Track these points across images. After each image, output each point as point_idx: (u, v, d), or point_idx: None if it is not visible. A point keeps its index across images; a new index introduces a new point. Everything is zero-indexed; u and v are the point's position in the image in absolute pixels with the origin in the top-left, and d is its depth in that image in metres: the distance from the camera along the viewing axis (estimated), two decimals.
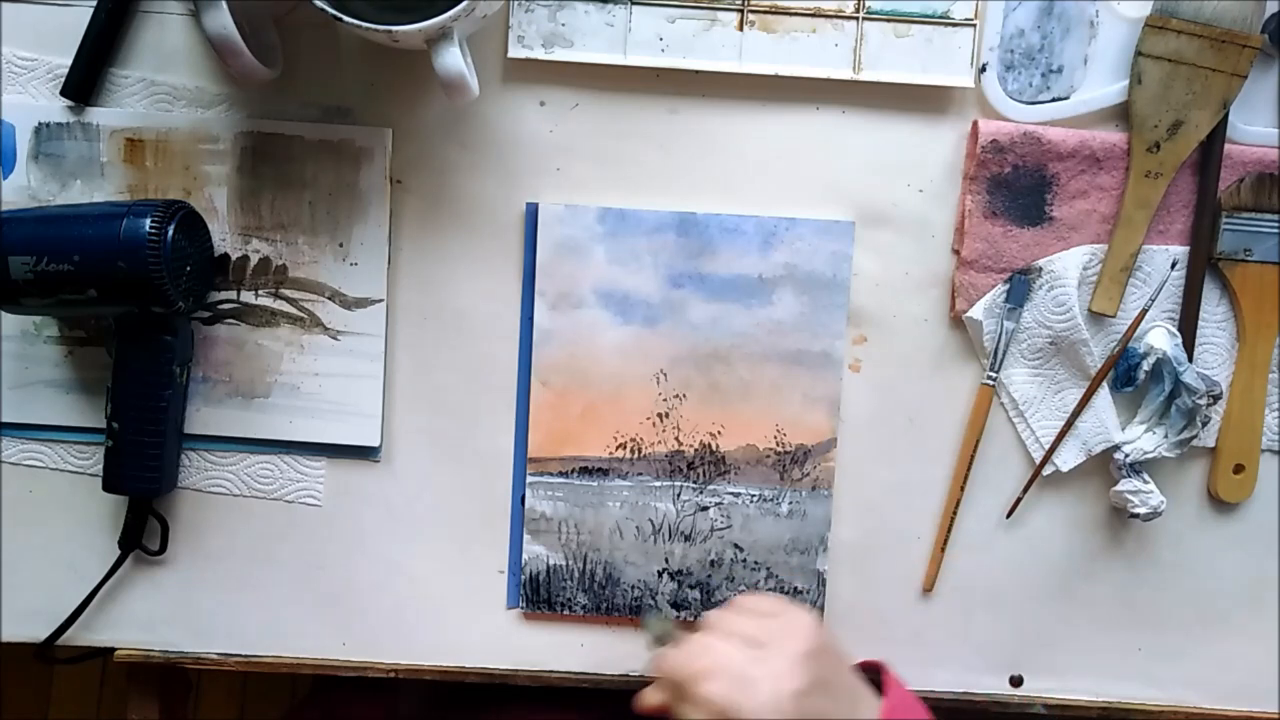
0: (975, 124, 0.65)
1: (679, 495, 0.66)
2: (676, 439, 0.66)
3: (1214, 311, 0.66)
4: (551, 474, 0.66)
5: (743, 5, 0.63)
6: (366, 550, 0.67)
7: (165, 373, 0.62)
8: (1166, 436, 0.65)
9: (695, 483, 0.66)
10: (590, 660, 0.68)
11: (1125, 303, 0.66)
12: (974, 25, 0.64)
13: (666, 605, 0.67)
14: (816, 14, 0.63)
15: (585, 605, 0.67)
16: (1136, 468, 0.65)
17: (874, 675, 0.59)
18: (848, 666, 0.56)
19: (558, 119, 0.65)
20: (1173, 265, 0.65)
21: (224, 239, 0.65)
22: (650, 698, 0.56)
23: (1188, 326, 0.66)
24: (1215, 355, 0.67)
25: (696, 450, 0.66)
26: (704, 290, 0.65)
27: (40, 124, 0.64)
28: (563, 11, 0.63)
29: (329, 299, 0.65)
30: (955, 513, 0.67)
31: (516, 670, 0.68)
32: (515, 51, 0.63)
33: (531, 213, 0.65)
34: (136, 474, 0.63)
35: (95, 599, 0.66)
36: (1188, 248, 0.66)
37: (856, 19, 0.63)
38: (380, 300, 0.65)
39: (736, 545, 0.67)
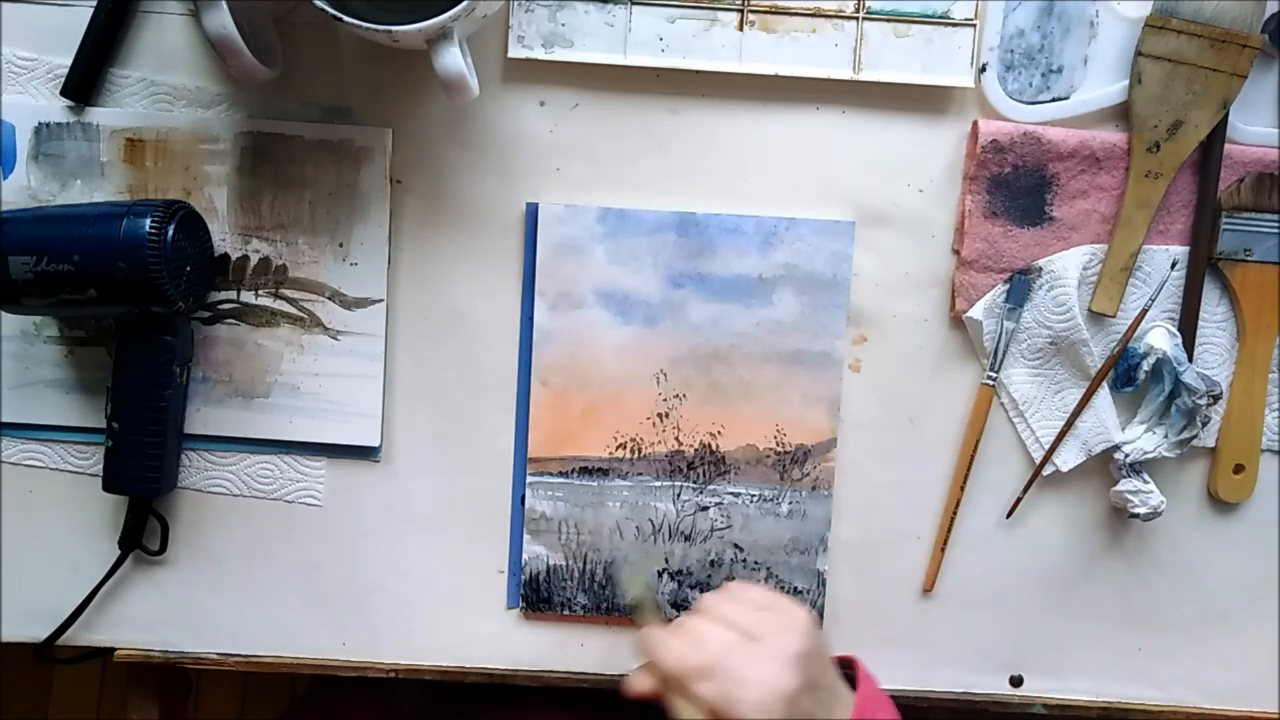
0: (975, 124, 0.65)
1: (679, 495, 0.66)
2: (676, 439, 0.66)
3: (1214, 311, 0.66)
4: (551, 474, 0.66)
5: (743, 5, 0.63)
6: (366, 550, 0.67)
7: (165, 373, 0.62)
8: (1166, 436, 0.65)
9: (695, 483, 0.66)
10: (590, 660, 0.68)
11: (1125, 303, 0.66)
12: (974, 25, 0.64)
13: (642, 563, 0.66)
14: (816, 14, 0.63)
15: (585, 605, 0.67)
16: (1136, 468, 0.65)
17: (849, 670, 0.58)
18: (832, 665, 0.56)
19: (558, 119, 0.65)
20: (1173, 265, 0.65)
21: (224, 239, 0.65)
22: (640, 684, 0.55)
23: (1188, 326, 0.66)
24: (1215, 355, 0.67)
25: (696, 450, 0.66)
26: (704, 290, 0.65)
27: (40, 124, 0.64)
28: (563, 11, 0.63)
29: (329, 299, 0.65)
30: (955, 513, 0.67)
31: (516, 670, 0.68)
32: (515, 51, 0.63)
33: (531, 213, 0.65)
34: (136, 474, 0.63)
35: (95, 599, 0.66)
36: (1188, 248, 0.66)
37: (856, 19, 0.63)
38: (380, 300, 0.65)
39: (736, 545, 0.67)
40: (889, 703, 0.57)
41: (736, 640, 0.53)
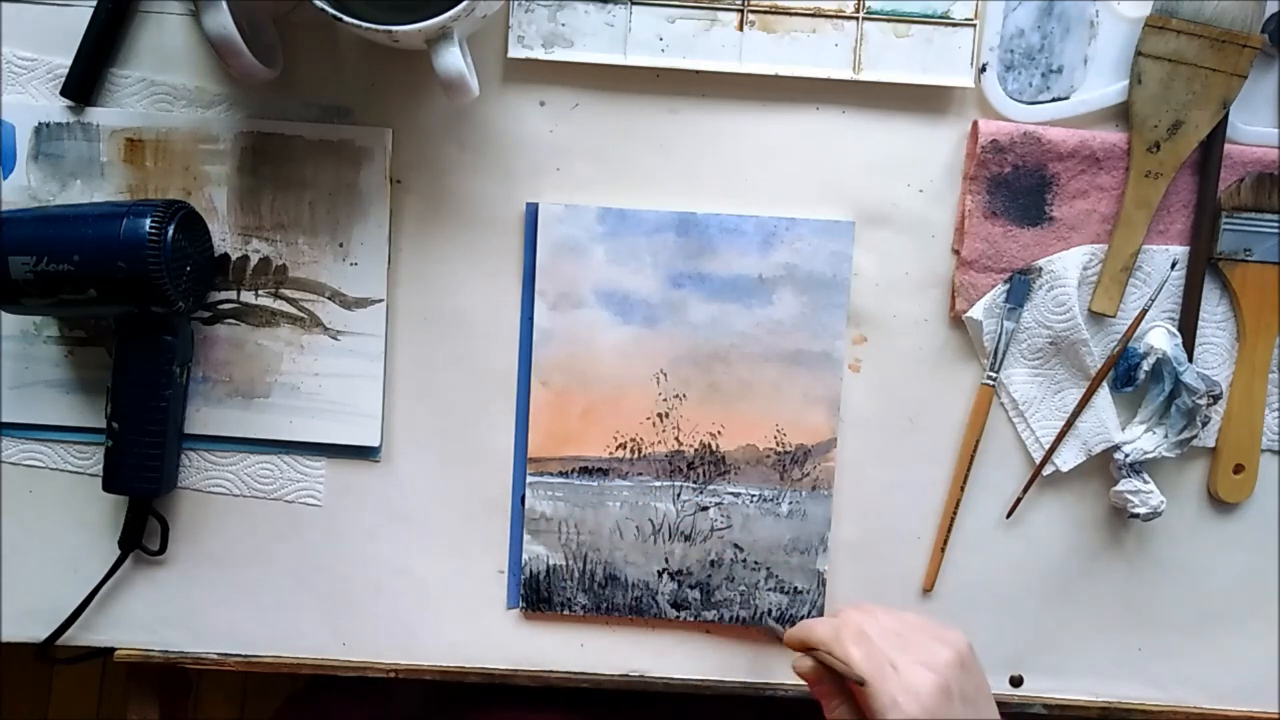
0: (975, 124, 0.65)
1: (679, 495, 0.66)
2: (676, 439, 0.66)
3: (1214, 311, 0.66)
4: (551, 474, 0.66)
5: (743, 5, 0.63)
6: (366, 550, 0.67)
7: (165, 373, 0.62)
8: (1166, 436, 0.65)
9: (695, 483, 0.66)
10: (590, 660, 0.68)
11: (1125, 303, 0.66)
12: (974, 25, 0.64)
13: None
14: (816, 14, 0.63)
15: (585, 605, 0.67)
16: (1136, 468, 0.65)
17: None
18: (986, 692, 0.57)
19: (558, 119, 0.65)
20: (1173, 265, 0.65)
21: (224, 239, 0.65)
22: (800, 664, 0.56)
23: (1188, 326, 0.66)
24: (1215, 355, 0.67)
25: (696, 450, 0.66)
26: (704, 290, 0.65)
27: (40, 124, 0.64)
28: (563, 11, 0.63)
29: (329, 299, 0.65)
30: (955, 513, 0.67)
31: (516, 670, 0.68)
32: (515, 51, 0.63)
33: (531, 213, 0.65)
34: (136, 474, 0.63)
35: (95, 599, 0.66)
36: (1188, 248, 0.66)
37: (856, 19, 0.63)
38: (380, 300, 0.65)
39: (736, 545, 0.67)
40: None
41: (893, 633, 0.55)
